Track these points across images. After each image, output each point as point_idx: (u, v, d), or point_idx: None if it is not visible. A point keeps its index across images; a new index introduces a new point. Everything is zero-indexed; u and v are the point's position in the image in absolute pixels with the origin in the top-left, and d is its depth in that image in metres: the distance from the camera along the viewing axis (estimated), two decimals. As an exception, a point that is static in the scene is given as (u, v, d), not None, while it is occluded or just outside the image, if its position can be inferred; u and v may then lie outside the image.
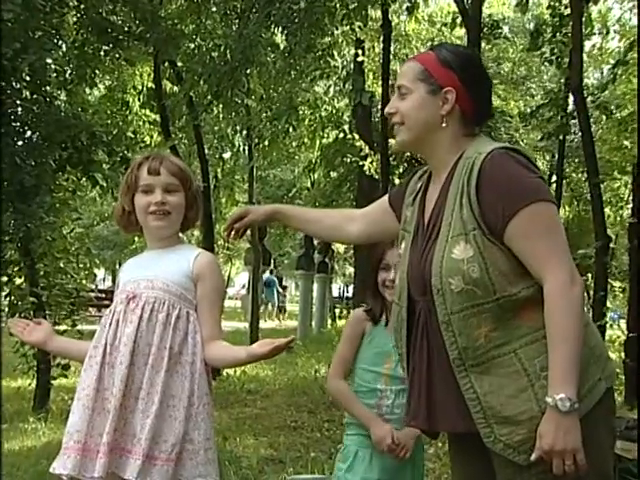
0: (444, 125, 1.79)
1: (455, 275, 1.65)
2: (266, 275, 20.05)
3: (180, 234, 2.13)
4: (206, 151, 10.79)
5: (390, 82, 9.37)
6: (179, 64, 9.44)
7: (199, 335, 1.93)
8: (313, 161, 14.84)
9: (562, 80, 10.41)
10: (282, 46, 8.22)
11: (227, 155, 14.19)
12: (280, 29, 7.50)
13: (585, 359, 1.62)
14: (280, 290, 23.35)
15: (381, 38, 9.61)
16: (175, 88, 10.27)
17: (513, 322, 1.65)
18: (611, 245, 7.50)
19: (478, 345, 1.65)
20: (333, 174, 15.26)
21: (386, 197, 2.14)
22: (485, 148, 1.73)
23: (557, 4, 8.37)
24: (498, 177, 1.67)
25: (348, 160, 12.50)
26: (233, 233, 2.22)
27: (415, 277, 1.80)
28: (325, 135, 13.13)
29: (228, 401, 7.40)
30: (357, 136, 10.66)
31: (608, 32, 10.68)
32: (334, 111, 12.37)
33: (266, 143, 11.05)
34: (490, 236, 1.66)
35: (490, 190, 1.67)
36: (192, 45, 8.80)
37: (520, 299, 1.65)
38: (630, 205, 7.91)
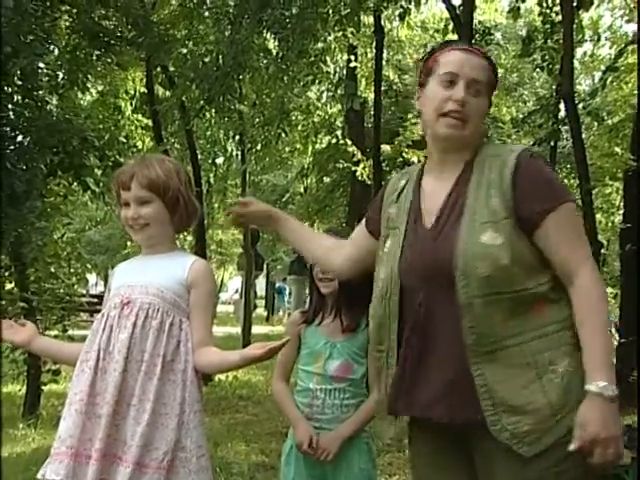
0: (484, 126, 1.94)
1: (483, 260, 1.66)
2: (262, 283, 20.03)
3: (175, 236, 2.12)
4: (199, 156, 10.79)
5: (382, 87, 9.36)
6: (171, 69, 9.44)
7: (190, 342, 1.92)
8: (306, 166, 14.84)
9: (553, 87, 10.45)
10: (274, 52, 8.21)
11: (220, 160, 14.17)
12: (272, 35, 7.51)
13: None
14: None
15: (374, 44, 9.62)
16: (167, 93, 10.26)
17: (527, 315, 1.68)
18: (603, 251, 7.52)
19: (494, 332, 1.66)
20: (326, 179, 15.26)
21: (363, 222, 2.08)
22: (510, 147, 1.84)
23: (548, 11, 8.40)
24: (535, 174, 1.74)
25: (341, 166, 12.49)
26: (232, 216, 2.22)
27: (424, 264, 1.76)
28: (318, 141, 13.13)
29: (220, 407, 7.37)
30: (349, 142, 10.66)
31: (599, 39, 10.76)
32: (327, 117, 12.38)
33: (259, 148, 11.06)
34: (520, 228, 1.70)
35: (528, 185, 1.72)
36: (184, 50, 8.79)
37: (536, 294, 1.68)
38: (621, 211, 7.93)
